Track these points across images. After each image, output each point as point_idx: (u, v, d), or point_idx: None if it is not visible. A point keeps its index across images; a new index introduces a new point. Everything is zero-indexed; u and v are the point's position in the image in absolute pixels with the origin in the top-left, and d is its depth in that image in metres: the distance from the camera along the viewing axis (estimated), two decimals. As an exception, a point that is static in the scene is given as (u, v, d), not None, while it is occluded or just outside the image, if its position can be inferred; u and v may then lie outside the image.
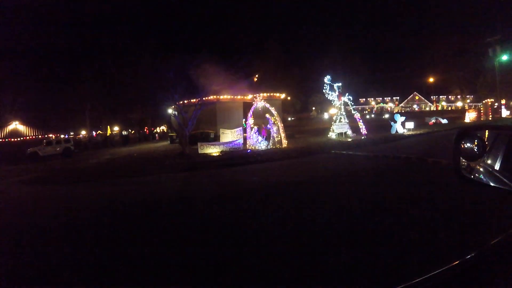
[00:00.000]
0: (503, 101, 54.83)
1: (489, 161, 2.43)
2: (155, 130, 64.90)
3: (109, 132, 65.15)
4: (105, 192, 13.12)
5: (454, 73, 72.02)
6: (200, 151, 22.33)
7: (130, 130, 66.89)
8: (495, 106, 51.47)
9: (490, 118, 47.51)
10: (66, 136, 50.09)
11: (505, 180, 2.06)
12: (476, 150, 2.22)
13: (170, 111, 27.48)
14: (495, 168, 2.34)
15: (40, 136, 52.74)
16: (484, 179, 2.38)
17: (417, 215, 6.82)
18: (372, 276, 4.42)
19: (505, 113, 52.51)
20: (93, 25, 74.39)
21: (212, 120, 32.01)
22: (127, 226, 7.76)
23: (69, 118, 56.09)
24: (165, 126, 59.14)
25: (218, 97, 30.56)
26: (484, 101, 52.28)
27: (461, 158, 2.04)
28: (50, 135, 50.43)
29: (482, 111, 48.79)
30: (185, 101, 28.17)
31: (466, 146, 2.18)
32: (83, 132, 62.24)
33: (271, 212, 7.84)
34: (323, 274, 4.61)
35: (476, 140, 2.22)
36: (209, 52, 26.49)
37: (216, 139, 27.20)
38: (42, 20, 70.01)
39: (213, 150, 22.12)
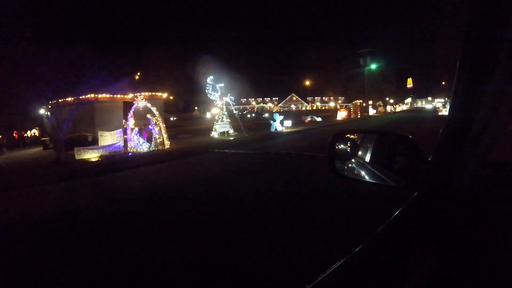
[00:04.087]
0: (370, 102, 63.55)
1: (360, 153, 2.71)
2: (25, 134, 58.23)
3: (-35, 139, 56.86)
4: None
5: (329, 77, 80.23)
6: (77, 157, 20.37)
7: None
8: (364, 106, 59.30)
9: (359, 116, 53.34)
10: None
11: (374, 170, 2.32)
12: (349, 151, 2.48)
13: (42, 111, 25.14)
14: (366, 160, 2.62)
15: None
16: (356, 170, 2.68)
17: (298, 210, 7.53)
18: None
19: (372, 112, 61.02)
20: None
21: (90, 122, 29.82)
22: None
23: None
24: (37, 129, 53.92)
25: (96, 95, 28.15)
26: (354, 102, 59.28)
27: (335, 159, 2.17)
28: None
29: (352, 110, 54.72)
30: (60, 100, 25.92)
31: (340, 148, 2.39)
32: None
33: (160, 220, 7.85)
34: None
35: (348, 142, 2.49)
36: (88, 46, 24.16)
37: (94, 142, 25.43)
38: None
39: (92, 155, 20.45)
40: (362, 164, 2.66)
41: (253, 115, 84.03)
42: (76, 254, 6.24)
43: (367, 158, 2.63)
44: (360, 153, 2.74)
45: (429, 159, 1.39)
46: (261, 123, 41.34)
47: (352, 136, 2.57)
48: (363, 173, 2.60)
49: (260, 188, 10.04)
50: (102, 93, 28.88)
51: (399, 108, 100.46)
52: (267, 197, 8.94)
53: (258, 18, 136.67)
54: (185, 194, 10.30)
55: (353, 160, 2.70)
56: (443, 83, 73.66)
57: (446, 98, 66.55)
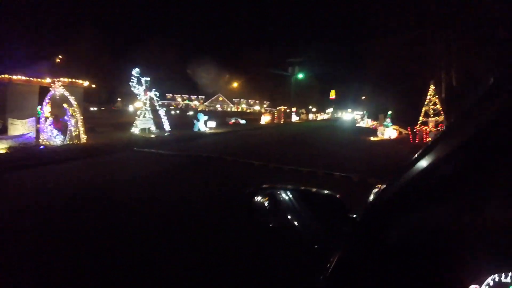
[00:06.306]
0: (294, 109, 67.07)
1: (282, 208, 2.52)
2: None
3: None
4: None
5: (256, 81, 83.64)
6: (-17, 148, 17.98)
7: None
8: (287, 112, 62.66)
9: (282, 121, 55.33)
10: None
11: (298, 227, 2.13)
12: (267, 205, 2.21)
13: None
14: (288, 216, 2.46)
15: None
16: (279, 224, 2.33)
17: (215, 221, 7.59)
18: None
19: (294, 118, 64.69)
20: None
21: (0, 107, 27.39)
22: None
23: None
24: None
25: (11, 76, 26.05)
26: (278, 108, 61.86)
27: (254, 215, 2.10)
28: None
29: (276, 115, 56.79)
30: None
31: (259, 201, 2.20)
32: None
33: (68, 234, 7.54)
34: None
35: (267, 197, 2.23)
36: (7, 22, 21.96)
37: (3, 130, 22.97)
38: None
39: (0, 146, 18.32)
40: (286, 219, 2.29)
41: (177, 112, 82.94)
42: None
43: (290, 214, 2.30)
44: (282, 208, 2.33)
45: (355, 217, 1.43)
46: (184, 121, 41.08)
47: (271, 192, 2.28)
48: (287, 226, 2.25)
49: (183, 196, 10.03)
50: (17, 74, 26.68)
51: (321, 116, 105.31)
52: (187, 206, 8.93)
53: (192, 13, 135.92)
54: (100, 200, 9.78)
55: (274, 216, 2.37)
56: (363, 97, 79.01)
57: (364, 112, 71.58)
